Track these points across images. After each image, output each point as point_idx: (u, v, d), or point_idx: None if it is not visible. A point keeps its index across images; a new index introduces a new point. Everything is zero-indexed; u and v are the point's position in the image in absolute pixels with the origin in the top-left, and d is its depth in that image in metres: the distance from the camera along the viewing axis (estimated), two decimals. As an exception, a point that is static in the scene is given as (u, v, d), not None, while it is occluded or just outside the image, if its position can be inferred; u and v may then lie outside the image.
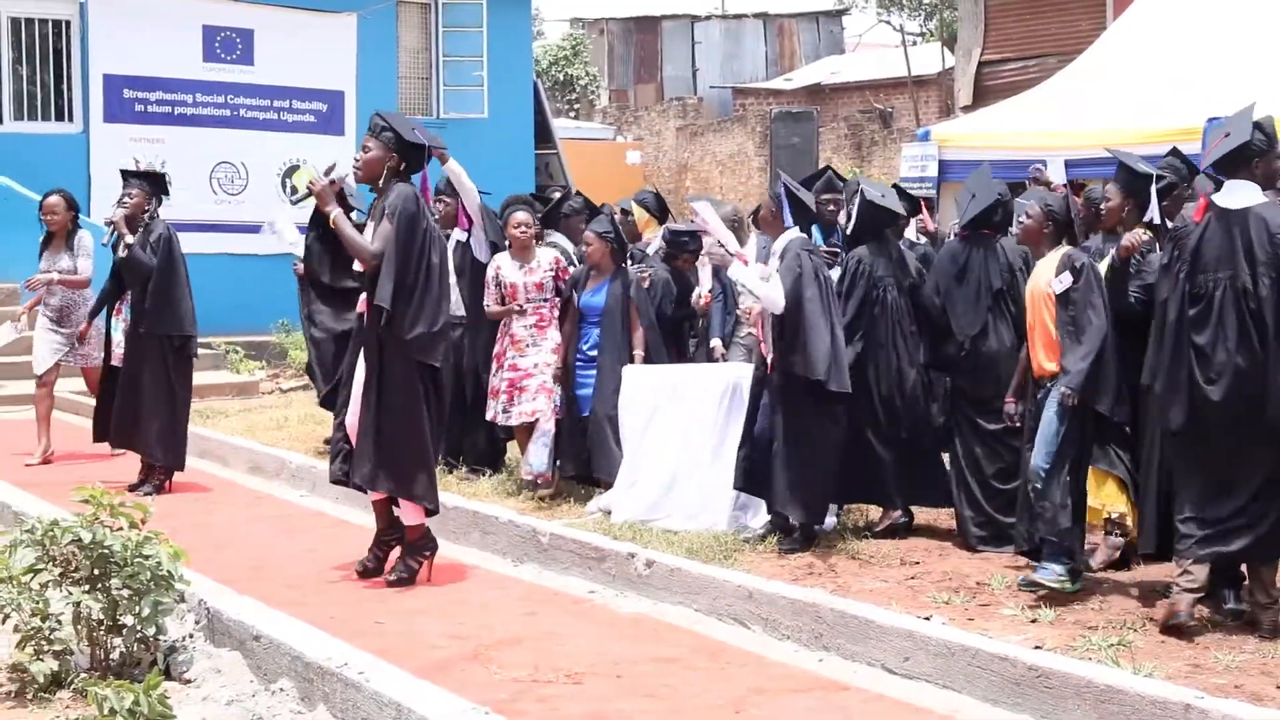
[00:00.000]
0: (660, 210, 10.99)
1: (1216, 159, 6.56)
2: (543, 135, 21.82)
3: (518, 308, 9.48)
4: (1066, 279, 7.14)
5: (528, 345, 9.51)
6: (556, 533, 8.05)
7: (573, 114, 39.91)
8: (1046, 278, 7.26)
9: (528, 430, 9.60)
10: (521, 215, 9.64)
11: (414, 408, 7.47)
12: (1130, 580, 7.43)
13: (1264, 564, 6.52)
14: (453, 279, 10.39)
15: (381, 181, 7.48)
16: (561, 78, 41.75)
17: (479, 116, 20.68)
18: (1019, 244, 7.96)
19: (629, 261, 9.88)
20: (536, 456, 9.47)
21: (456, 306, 10.36)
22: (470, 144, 19.71)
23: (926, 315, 8.43)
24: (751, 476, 8.25)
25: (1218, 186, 6.64)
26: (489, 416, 9.70)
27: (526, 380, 9.49)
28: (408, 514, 7.63)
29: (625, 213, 10.95)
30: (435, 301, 7.45)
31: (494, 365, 9.71)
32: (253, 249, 18.33)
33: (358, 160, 7.56)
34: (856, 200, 8.66)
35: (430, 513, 7.62)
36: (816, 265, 8.10)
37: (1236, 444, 6.45)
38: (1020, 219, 7.61)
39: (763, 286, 8.05)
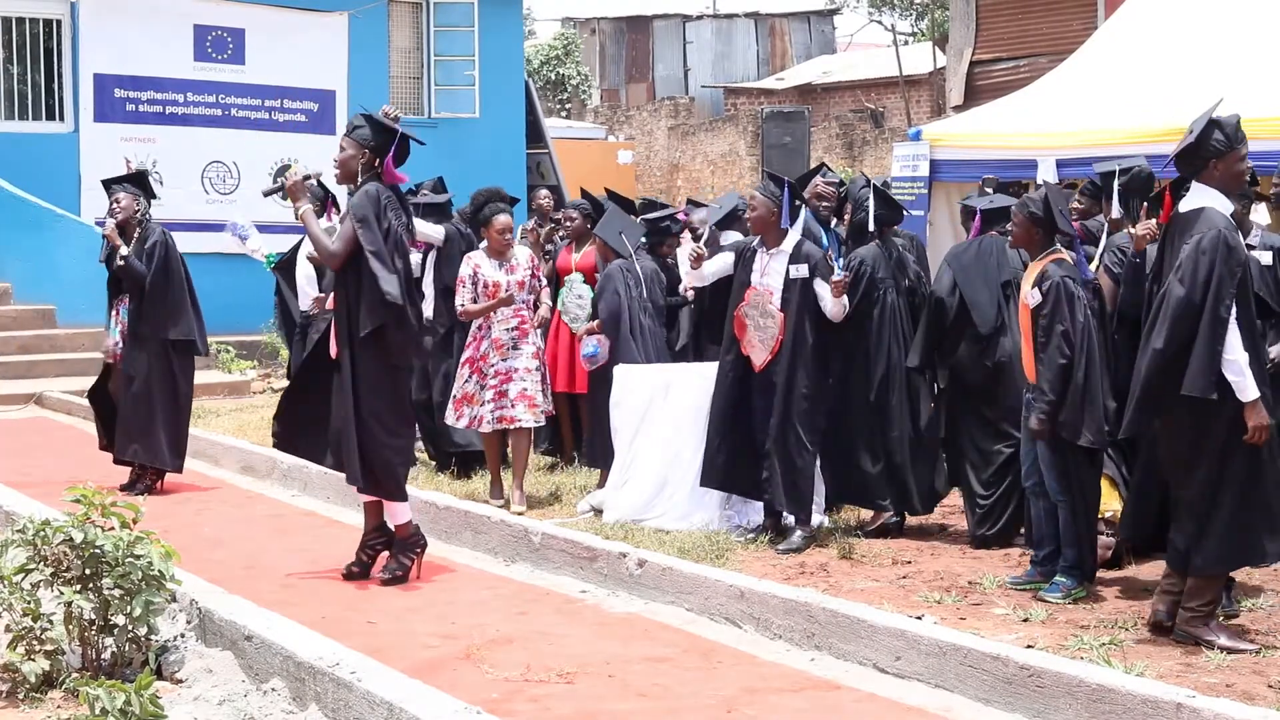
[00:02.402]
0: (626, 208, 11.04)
1: (1173, 156, 6.42)
2: (534, 135, 21.82)
3: (507, 294, 9.18)
4: (1036, 296, 7.13)
5: (509, 349, 9.26)
6: (548, 532, 8.04)
7: (564, 114, 39.95)
8: (1026, 288, 7.25)
9: (499, 438, 9.41)
10: (506, 219, 9.37)
11: (398, 410, 7.54)
12: (1122, 579, 7.44)
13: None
14: (428, 286, 10.42)
15: (359, 179, 7.48)
16: (553, 77, 41.78)
17: (470, 116, 20.68)
18: (1011, 248, 7.96)
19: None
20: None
21: (437, 313, 10.39)
22: (461, 143, 19.79)
23: (937, 317, 8.32)
24: (738, 477, 8.32)
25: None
26: (459, 423, 9.42)
27: (507, 385, 9.22)
28: (395, 513, 7.64)
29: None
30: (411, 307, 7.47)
31: (466, 370, 9.36)
32: (244, 249, 18.30)
33: (336, 163, 7.56)
34: (870, 198, 8.58)
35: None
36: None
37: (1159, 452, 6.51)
38: (1010, 227, 7.66)
39: (836, 305, 8.19)
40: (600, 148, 31.60)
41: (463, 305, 9.35)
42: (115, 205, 9.97)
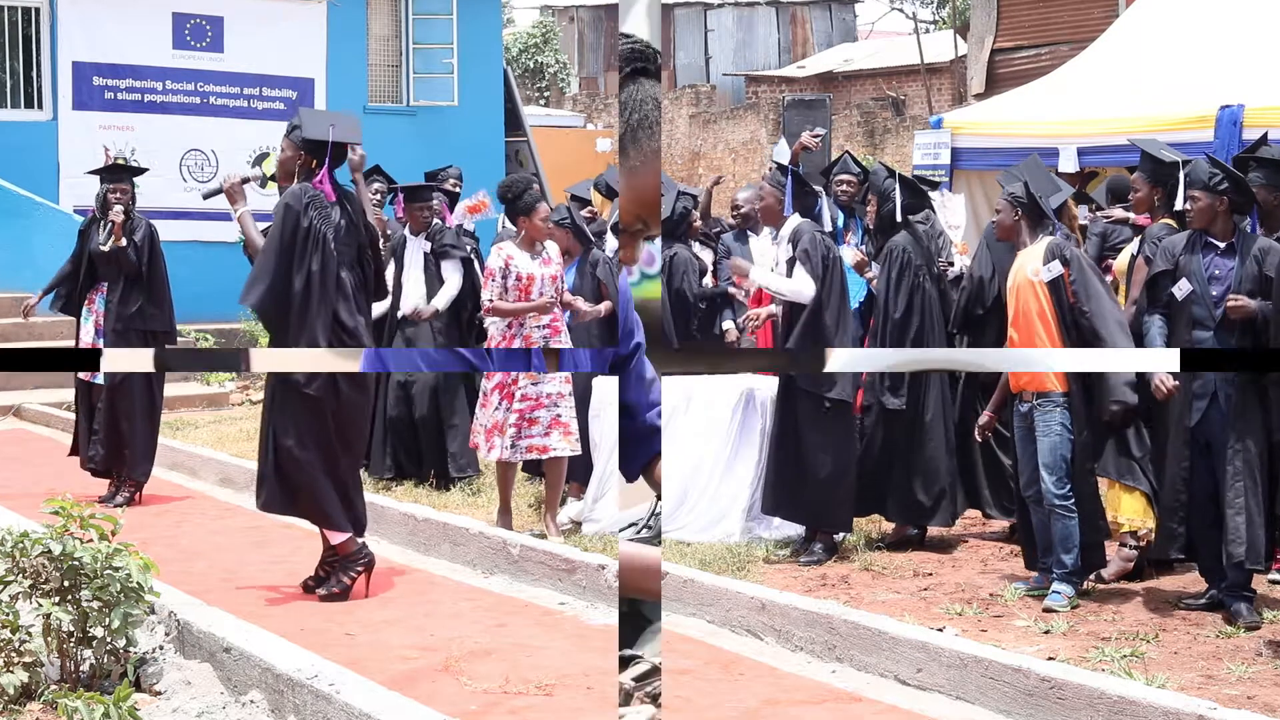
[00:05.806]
0: (612, 193, 11.06)
1: None
2: (512, 123, 22.04)
3: (545, 299, 8.68)
4: (1056, 267, 7.17)
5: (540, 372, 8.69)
6: (527, 544, 8.11)
7: (542, 102, 39.98)
8: (1033, 266, 7.28)
9: (515, 466, 8.96)
10: (548, 208, 8.98)
11: (313, 430, 7.48)
12: (1143, 591, 7.51)
13: None
14: (407, 276, 10.41)
15: (295, 180, 7.54)
16: (531, 65, 41.84)
17: (449, 104, 20.83)
18: (998, 240, 7.94)
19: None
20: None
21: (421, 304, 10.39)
22: (440, 131, 19.93)
23: (980, 305, 8.38)
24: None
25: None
26: (489, 456, 8.89)
27: (538, 411, 8.69)
28: (330, 534, 7.62)
29: (575, 198, 11.04)
30: (313, 315, 7.29)
31: (496, 397, 8.75)
32: (223, 236, 18.39)
33: (277, 163, 7.71)
34: (896, 187, 8.55)
35: (356, 530, 7.64)
36: (835, 252, 8.24)
37: None
38: (992, 219, 7.69)
39: (787, 283, 8.18)
40: (578, 135, 31.60)
41: (490, 301, 8.80)
42: (121, 193, 10.05)
